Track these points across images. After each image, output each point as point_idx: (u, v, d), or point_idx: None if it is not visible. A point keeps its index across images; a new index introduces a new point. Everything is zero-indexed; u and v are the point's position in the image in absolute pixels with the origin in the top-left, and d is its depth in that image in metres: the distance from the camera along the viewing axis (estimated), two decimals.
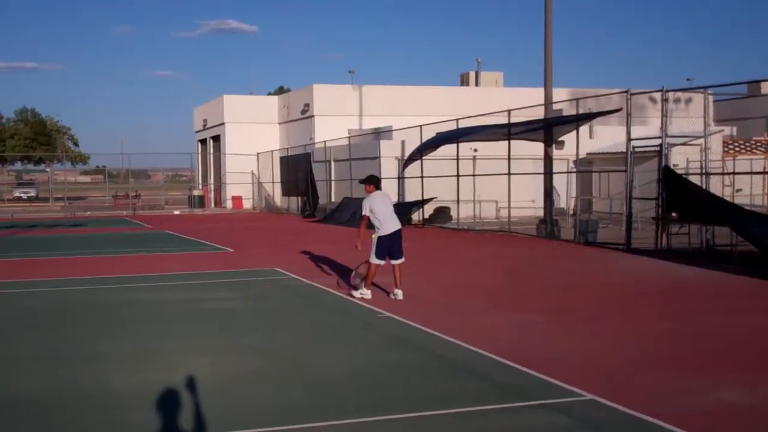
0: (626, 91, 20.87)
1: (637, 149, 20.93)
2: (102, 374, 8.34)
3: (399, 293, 12.88)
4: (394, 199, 32.77)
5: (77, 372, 8.48)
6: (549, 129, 24.47)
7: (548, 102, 25.16)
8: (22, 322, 11.68)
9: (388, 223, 13.02)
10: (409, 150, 31.94)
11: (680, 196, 18.92)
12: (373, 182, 13.34)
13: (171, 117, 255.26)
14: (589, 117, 24.82)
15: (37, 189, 79.11)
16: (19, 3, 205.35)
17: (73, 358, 9.19)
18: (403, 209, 30.91)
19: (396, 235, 13.09)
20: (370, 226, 13.16)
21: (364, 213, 13.15)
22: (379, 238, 13.02)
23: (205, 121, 59.59)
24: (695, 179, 20.54)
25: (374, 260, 13.03)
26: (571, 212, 28.76)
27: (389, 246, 13.03)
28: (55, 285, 15.58)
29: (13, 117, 75.25)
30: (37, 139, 72.07)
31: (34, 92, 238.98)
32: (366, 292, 12.99)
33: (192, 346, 9.71)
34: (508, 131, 25.63)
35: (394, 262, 13.11)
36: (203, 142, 61.69)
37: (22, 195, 73.53)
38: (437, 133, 29.82)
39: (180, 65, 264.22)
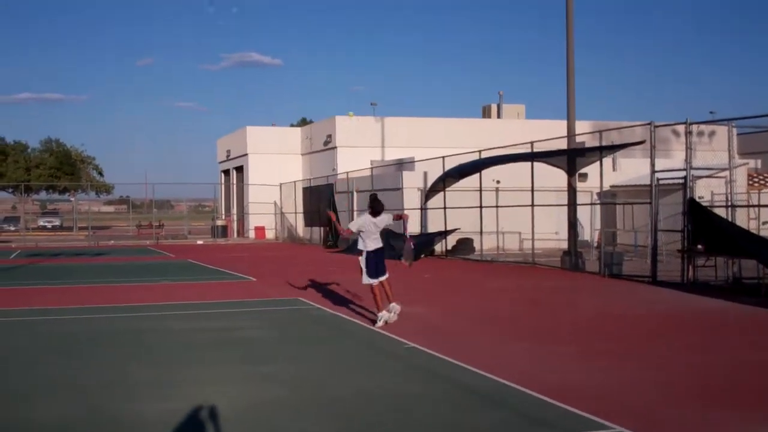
0: (649, 124, 20.81)
1: (661, 182, 20.83)
2: (123, 401, 8.30)
3: (395, 307, 13.07)
4: (417, 230, 32.81)
5: (98, 399, 8.44)
6: (572, 159, 24.38)
7: (571, 134, 25.09)
8: (46, 349, 11.70)
9: (369, 243, 13.32)
10: (431, 181, 31.95)
11: (706, 228, 18.78)
12: (371, 206, 13.47)
13: (195, 148, 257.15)
14: (613, 148, 24.71)
15: (61, 218, 79.65)
16: (44, 35, 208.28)
17: (95, 385, 9.17)
18: (425, 240, 30.92)
19: (379, 253, 13.38)
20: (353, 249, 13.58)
21: (350, 228, 13.73)
22: (366, 255, 13.30)
23: (228, 152, 59.95)
24: (720, 212, 20.38)
25: (368, 281, 13.32)
26: (596, 244, 28.57)
27: (375, 263, 13.29)
28: (78, 312, 15.62)
29: (39, 147, 75.94)
30: (62, 169, 72.59)
31: (59, 123, 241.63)
32: (384, 315, 13.08)
33: (214, 374, 9.67)
34: (531, 159, 25.59)
35: (381, 279, 13.34)
36: (226, 172, 62.02)
37: (46, 224, 74.04)
38: (459, 164, 29.81)
39: (204, 97, 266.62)
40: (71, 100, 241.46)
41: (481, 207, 28.61)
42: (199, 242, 49.86)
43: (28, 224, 62.62)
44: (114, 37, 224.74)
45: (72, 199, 79.70)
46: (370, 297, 13.66)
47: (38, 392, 8.84)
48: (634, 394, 8.46)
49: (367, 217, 13.45)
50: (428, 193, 31.91)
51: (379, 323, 12.98)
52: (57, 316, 15.19)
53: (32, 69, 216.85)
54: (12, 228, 65.97)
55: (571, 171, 24.51)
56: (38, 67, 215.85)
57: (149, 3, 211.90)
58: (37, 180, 69.89)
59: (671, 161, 27.76)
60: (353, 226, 13.61)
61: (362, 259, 13.34)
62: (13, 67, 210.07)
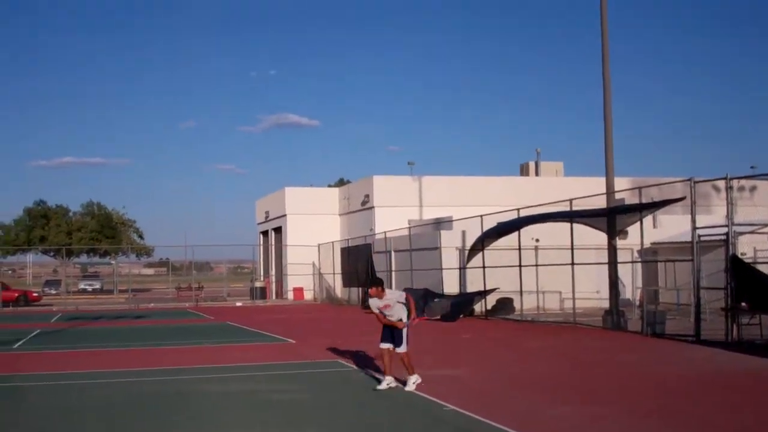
0: (690, 180, 20.62)
1: (702, 238, 20.57)
2: None
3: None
4: (456, 290, 32.63)
5: None
6: (612, 218, 24.17)
7: (610, 191, 24.94)
8: (85, 413, 11.70)
9: (404, 313, 13.30)
10: (470, 240, 31.85)
11: (749, 285, 18.49)
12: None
13: (234, 209, 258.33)
14: (653, 206, 24.46)
15: (101, 281, 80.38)
16: (87, 100, 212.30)
17: None
18: (465, 300, 30.74)
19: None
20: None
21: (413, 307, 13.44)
22: (408, 326, 13.24)
23: (267, 213, 60.39)
24: (764, 268, 20.06)
25: (407, 348, 13.15)
26: (638, 303, 28.20)
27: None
28: (118, 376, 15.62)
29: (80, 210, 76.99)
30: (103, 232, 73.42)
31: (101, 186, 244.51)
32: (417, 379, 13.03)
33: None
34: (569, 220, 25.42)
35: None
36: (265, 233, 62.41)
37: (86, 287, 74.72)
38: (498, 223, 29.70)
39: (242, 159, 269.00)
40: (113, 164, 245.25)
41: (520, 266, 28.40)
42: (238, 304, 49.96)
43: (68, 287, 63.18)
44: (157, 101, 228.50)
45: (113, 262, 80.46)
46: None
47: None
48: None
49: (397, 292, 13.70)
50: (469, 253, 31.70)
51: (411, 386, 12.94)
52: (97, 379, 15.20)
53: (75, 133, 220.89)
54: (53, 291, 66.72)
55: (611, 233, 24.25)
56: (80, 132, 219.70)
57: (189, 66, 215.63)
58: (78, 243, 70.75)
59: (712, 217, 27.48)
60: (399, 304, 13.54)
61: (406, 329, 13.21)
62: (56, 132, 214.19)
